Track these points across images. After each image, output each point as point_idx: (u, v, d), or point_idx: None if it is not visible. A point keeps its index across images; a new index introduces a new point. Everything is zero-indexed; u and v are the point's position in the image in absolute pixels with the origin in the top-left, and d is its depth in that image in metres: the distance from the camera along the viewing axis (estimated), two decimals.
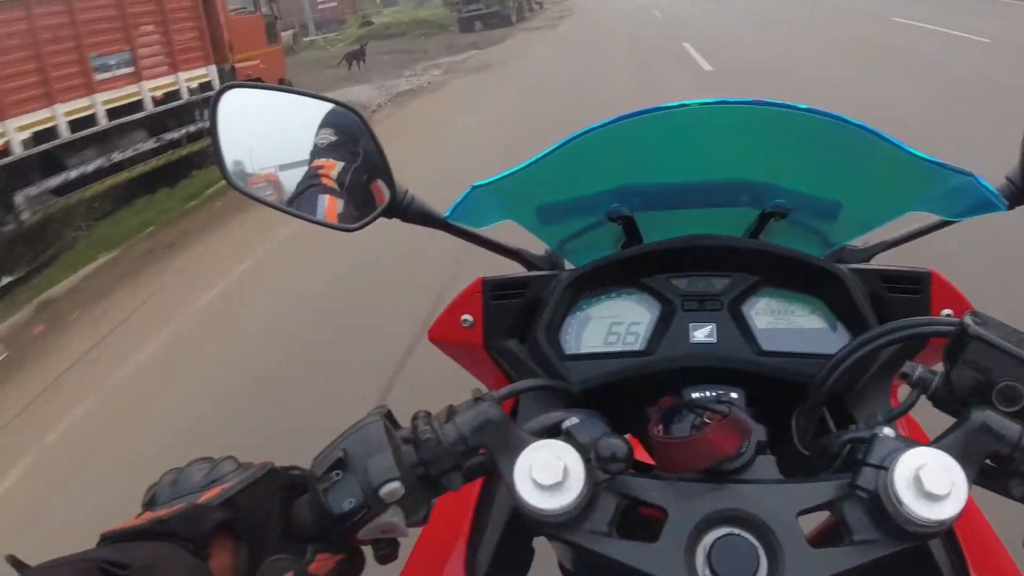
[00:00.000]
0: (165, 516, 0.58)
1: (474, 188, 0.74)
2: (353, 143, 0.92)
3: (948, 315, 0.84)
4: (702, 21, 19.37)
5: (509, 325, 0.90)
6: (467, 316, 0.92)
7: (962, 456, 0.57)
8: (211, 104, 0.88)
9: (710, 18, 20.34)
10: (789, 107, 0.67)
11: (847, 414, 0.80)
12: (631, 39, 17.33)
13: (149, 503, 0.62)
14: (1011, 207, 0.87)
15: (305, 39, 29.68)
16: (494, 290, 0.91)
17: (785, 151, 0.78)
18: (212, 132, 0.88)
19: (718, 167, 0.82)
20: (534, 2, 34.26)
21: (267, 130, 0.93)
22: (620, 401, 0.84)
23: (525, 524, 0.63)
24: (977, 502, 0.82)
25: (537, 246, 1.01)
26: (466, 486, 0.84)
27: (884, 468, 0.58)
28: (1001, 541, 0.80)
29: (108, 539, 0.58)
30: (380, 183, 0.90)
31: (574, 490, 0.58)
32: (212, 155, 0.90)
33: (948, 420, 0.62)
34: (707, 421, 0.64)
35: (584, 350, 0.86)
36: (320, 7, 37.05)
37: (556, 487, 0.58)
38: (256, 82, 0.99)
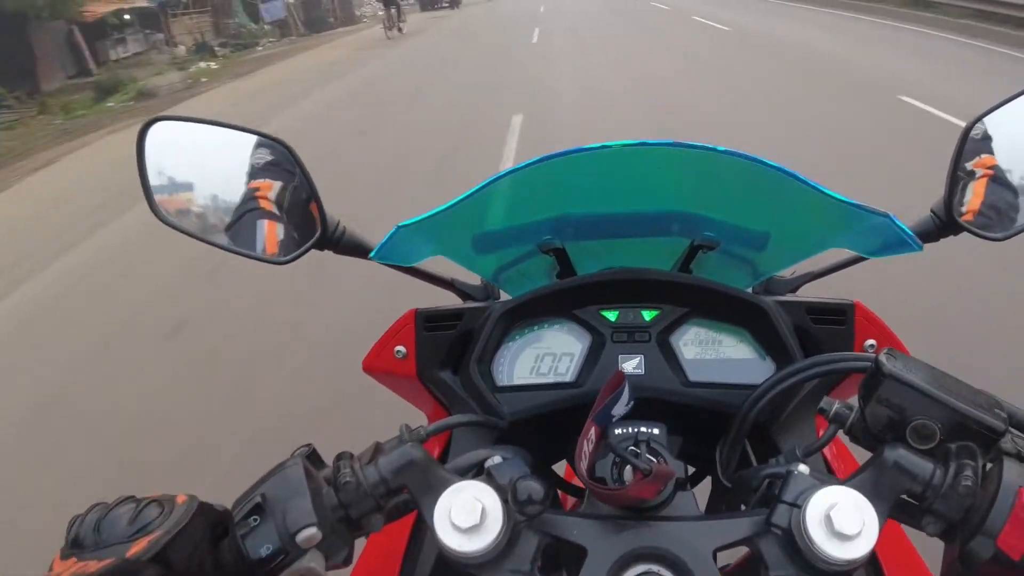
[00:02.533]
0: (94, 573, 0.57)
1: (399, 228, 0.73)
2: (290, 174, 0.91)
3: (871, 345, 0.86)
4: None
5: (442, 356, 0.90)
6: (400, 347, 0.91)
7: (874, 494, 0.57)
8: (138, 137, 0.87)
9: None
10: (707, 149, 0.68)
11: (772, 444, 0.81)
12: None
13: (73, 543, 0.61)
14: (935, 239, 0.89)
15: None
16: (427, 321, 0.91)
17: (710, 187, 0.79)
18: (139, 165, 0.87)
19: (647, 200, 0.83)
20: None
21: (197, 163, 0.92)
22: (553, 431, 0.84)
23: (450, 565, 0.63)
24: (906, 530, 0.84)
25: (472, 275, 1.01)
26: (402, 523, 0.84)
27: (797, 506, 0.58)
28: (928, 569, 0.81)
29: None
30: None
31: (492, 531, 0.58)
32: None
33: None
34: (631, 462, 0.65)
35: (516, 382, 0.86)
36: None
37: (474, 529, 0.58)
38: (183, 115, 0.96)
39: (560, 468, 1.03)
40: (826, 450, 0.90)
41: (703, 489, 0.94)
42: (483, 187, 0.70)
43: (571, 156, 0.69)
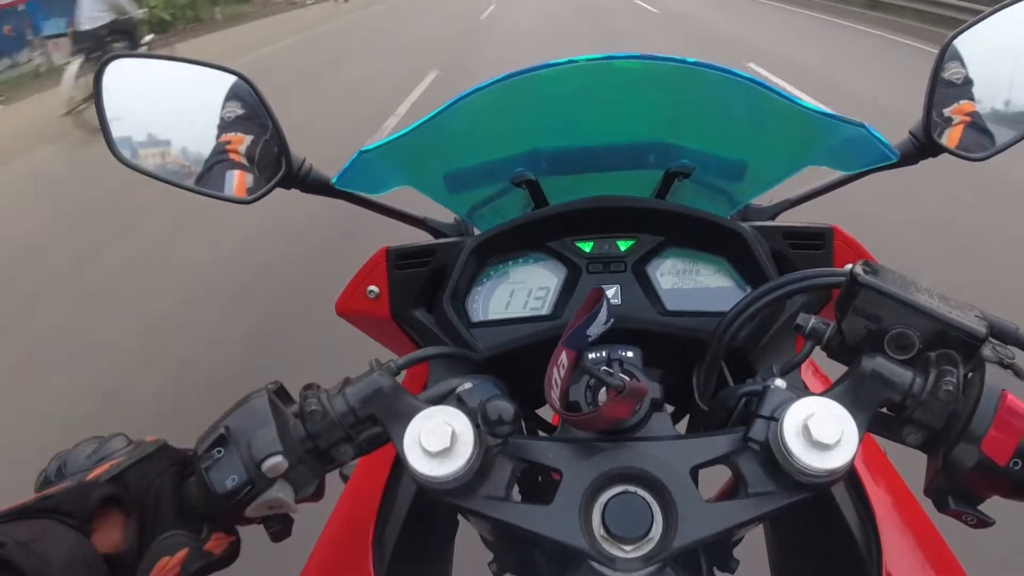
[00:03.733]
0: (48, 493, 0.56)
1: (361, 153, 0.71)
2: (259, 114, 0.89)
3: None
4: None
5: (416, 294, 0.89)
6: (373, 287, 0.90)
7: (853, 404, 0.56)
8: (95, 76, 0.84)
9: None
10: (677, 61, 0.66)
11: (752, 371, 0.80)
12: None
13: (41, 486, 0.61)
14: (914, 162, 0.87)
15: None
16: (399, 259, 0.89)
17: (683, 107, 0.77)
18: (98, 106, 0.85)
19: (620, 128, 0.81)
20: None
21: (161, 102, 0.90)
22: (531, 366, 0.83)
23: (427, 494, 0.61)
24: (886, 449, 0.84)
25: (445, 214, 0.99)
26: (381, 464, 0.83)
27: (775, 419, 0.57)
28: (908, 487, 0.81)
29: None
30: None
31: (463, 455, 0.57)
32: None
33: None
34: (603, 380, 0.63)
35: (491, 317, 0.85)
36: None
37: (445, 453, 0.56)
38: (142, 53, 0.94)
39: (546, 414, 1.02)
40: (805, 375, 0.89)
41: (682, 423, 0.93)
42: (447, 107, 0.68)
43: (538, 73, 0.67)
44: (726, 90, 0.68)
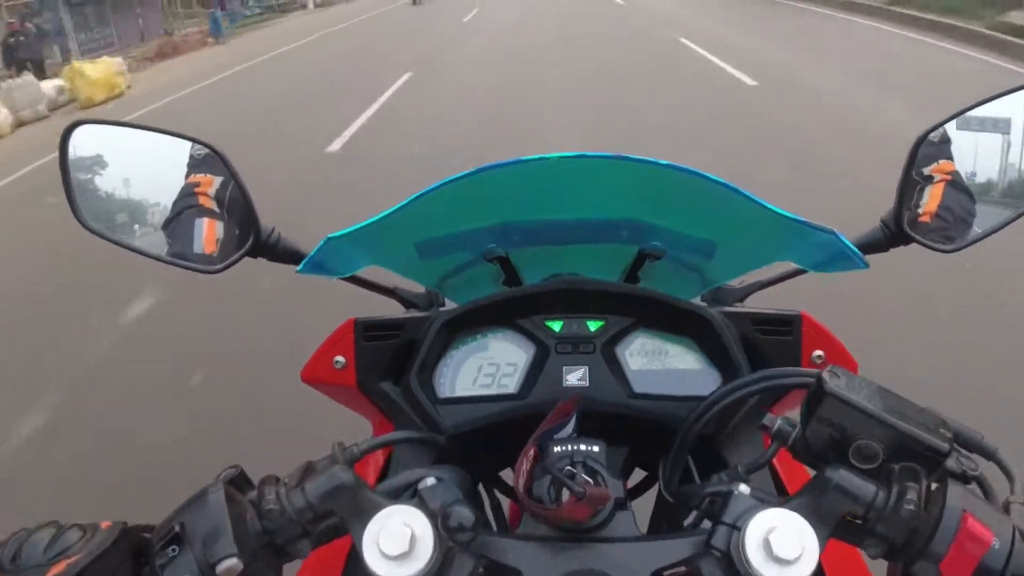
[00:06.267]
0: None
1: (328, 240, 0.70)
2: (227, 182, 0.88)
3: (819, 356, 0.85)
4: None
5: (383, 367, 0.88)
6: (339, 358, 0.89)
7: (815, 516, 0.56)
8: (60, 142, 0.82)
9: None
10: (651, 163, 0.66)
11: (717, 456, 0.80)
12: None
13: None
14: (884, 250, 0.88)
15: None
16: (367, 331, 0.88)
17: (657, 196, 0.77)
18: (63, 173, 0.83)
19: (593, 207, 0.81)
20: None
21: (127, 169, 0.88)
22: (498, 441, 0.82)
23: None
24: None
25: (415, 283, 0.98)
26: (338, 547, 0.81)
27: (737, 528, 0.57)
28: None
29: None
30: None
31: (423, 558, 0.56)
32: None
33: None
34: (564, 483, 0.63)
35: (458, 393, 0.84)
36: None
37: (403, 556, 0.56)
38: (108, 120, 0.92)
39: (509, 476, 1.01)
40: (775, 461, 0.89)
41: (649, 497, 0.93)
42: (417, 198, 0.67)
43: (508, 167, 0.66)
44: (699, 188, 0.68)
